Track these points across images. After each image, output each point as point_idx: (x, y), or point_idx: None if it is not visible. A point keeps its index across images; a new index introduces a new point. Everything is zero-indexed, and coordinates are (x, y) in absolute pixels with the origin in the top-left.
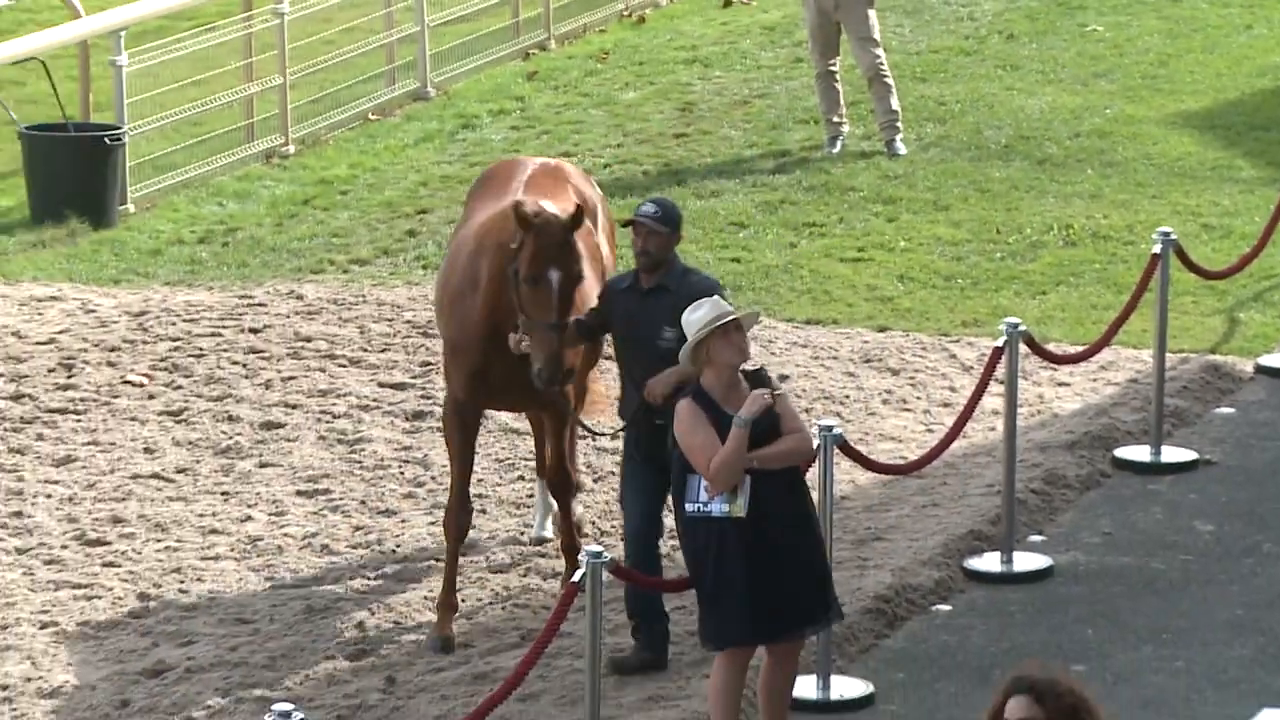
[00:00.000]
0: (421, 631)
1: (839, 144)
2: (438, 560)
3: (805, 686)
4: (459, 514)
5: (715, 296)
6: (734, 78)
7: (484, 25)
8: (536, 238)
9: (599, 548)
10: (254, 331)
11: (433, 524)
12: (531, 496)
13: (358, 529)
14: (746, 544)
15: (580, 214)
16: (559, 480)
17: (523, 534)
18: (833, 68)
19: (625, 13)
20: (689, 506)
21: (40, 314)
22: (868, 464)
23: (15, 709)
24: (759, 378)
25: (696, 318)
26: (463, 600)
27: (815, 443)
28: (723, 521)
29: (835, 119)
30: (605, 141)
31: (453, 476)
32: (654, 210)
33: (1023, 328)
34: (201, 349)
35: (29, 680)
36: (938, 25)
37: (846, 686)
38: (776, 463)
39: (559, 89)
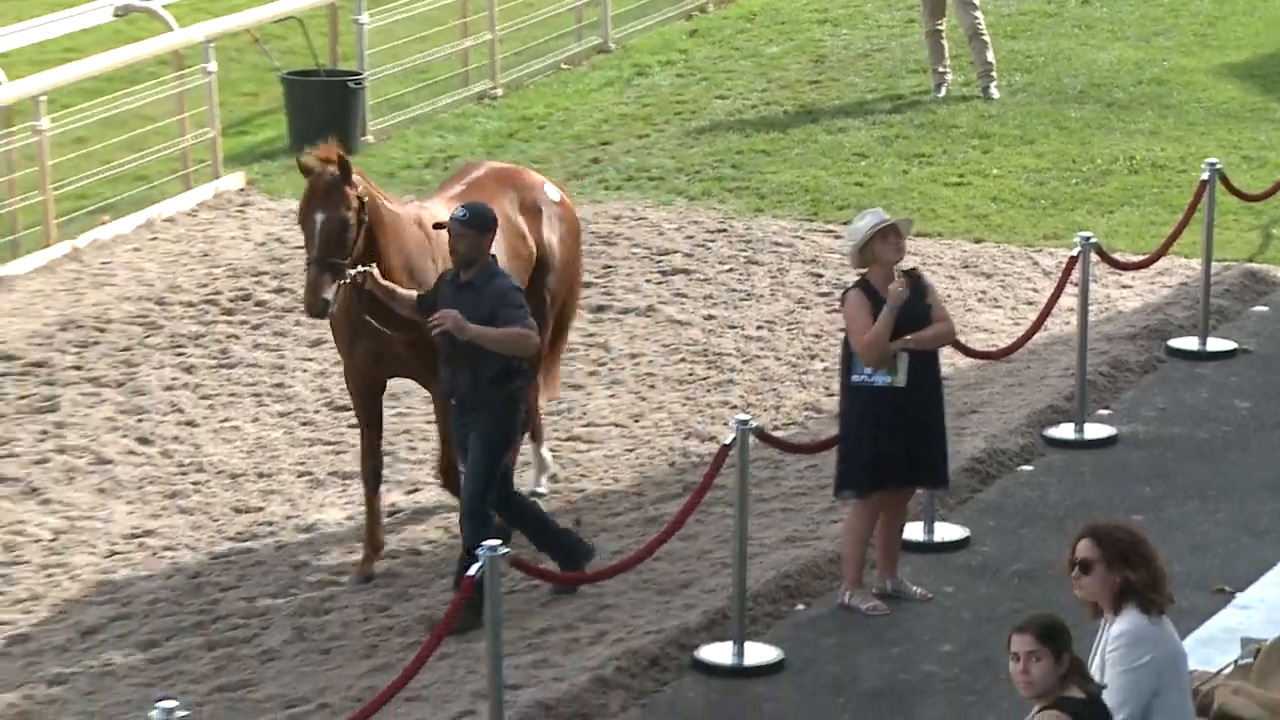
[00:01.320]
0: (600, 482)
1: (944, 89)
2: (616, 426)
3: (913, 531)
4: (368, 462)
5: (877, 208)
6: (858, 35)
7: None
8: (307, 185)
9: (746, 416)
10: None
11: (612, 397)
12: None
13: (551, 399)
14: (897, 409)
15: (346, 167)
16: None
17: (683, 407)
18: (939, 26)
19: None
20: (854, 377)
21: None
22: (966, 351)
23: (278, 540)
24: (914, 275)
25: (861, 225)
26: (635, 457)
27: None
28: (881, 390)
29: (941, 69)
30: (752, 87)
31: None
32: (462, 214)
33: (1093, 240)
34: None
35: (289, 518)
36: None
37: (947, 531)
38: (927, 344)
39: (715, 44)
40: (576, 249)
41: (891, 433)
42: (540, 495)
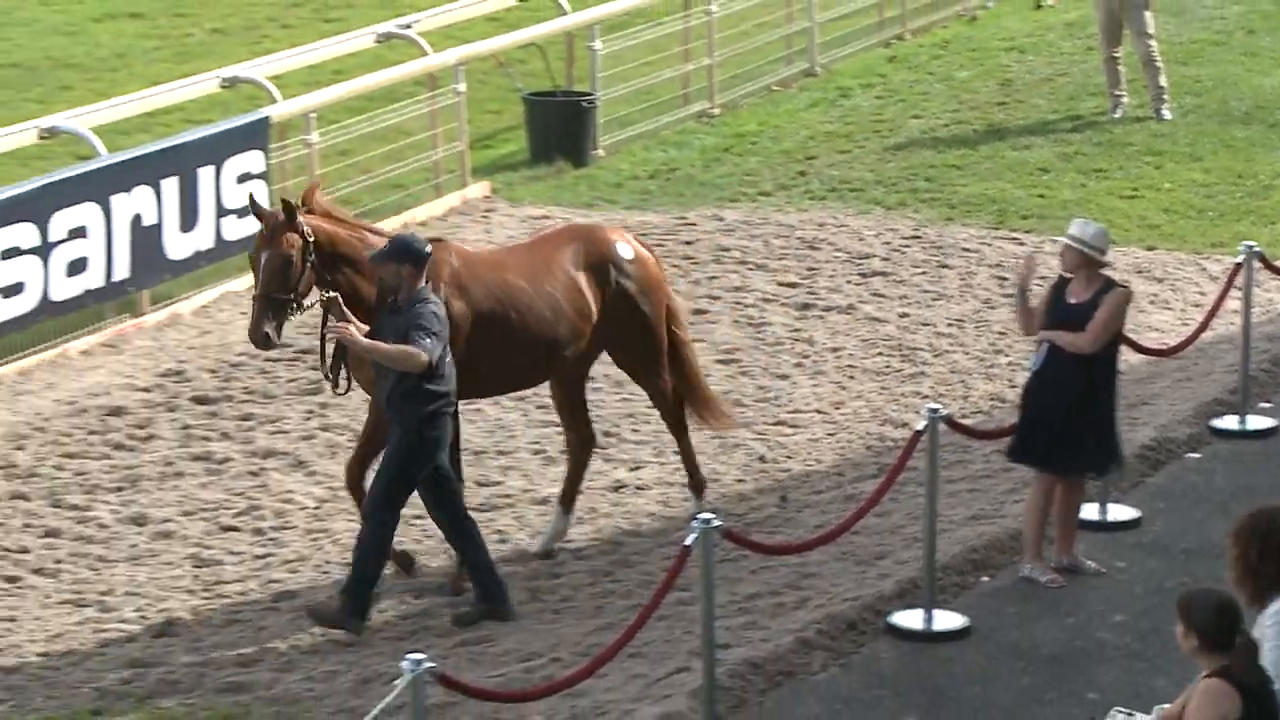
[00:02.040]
0: (804, 463)
1: (1120, 110)
2: (819, 412)
3: (1089, 511)
4: (352, 470)
5: (1081, 219)
6: (1042, 60)
7: (857, 21)
8: (260, 228)
9: (937, 405)
10: (687, 243)
11: (815, 386)
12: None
13: (760, 388)
14: (1043, 395)
15: (290, 213)
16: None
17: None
18: (1116, 54)
19: (962, 13)
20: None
21: (536, 228)
22: (1138, 348)
23: (515, 510)
24: (1110, 281)
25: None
26: (836, 441)
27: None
28: (1032, 372)
29: (1117, 92)
30: (945, 108)
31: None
32: (384, 247)
33: (1257, 248)
34: None
35: (524, 491)
36: (1196, 22)
37: (1120, 512)
38: (1060, 343)
39: (912, 69)
40: (654, 299)
41: (1031, 414)
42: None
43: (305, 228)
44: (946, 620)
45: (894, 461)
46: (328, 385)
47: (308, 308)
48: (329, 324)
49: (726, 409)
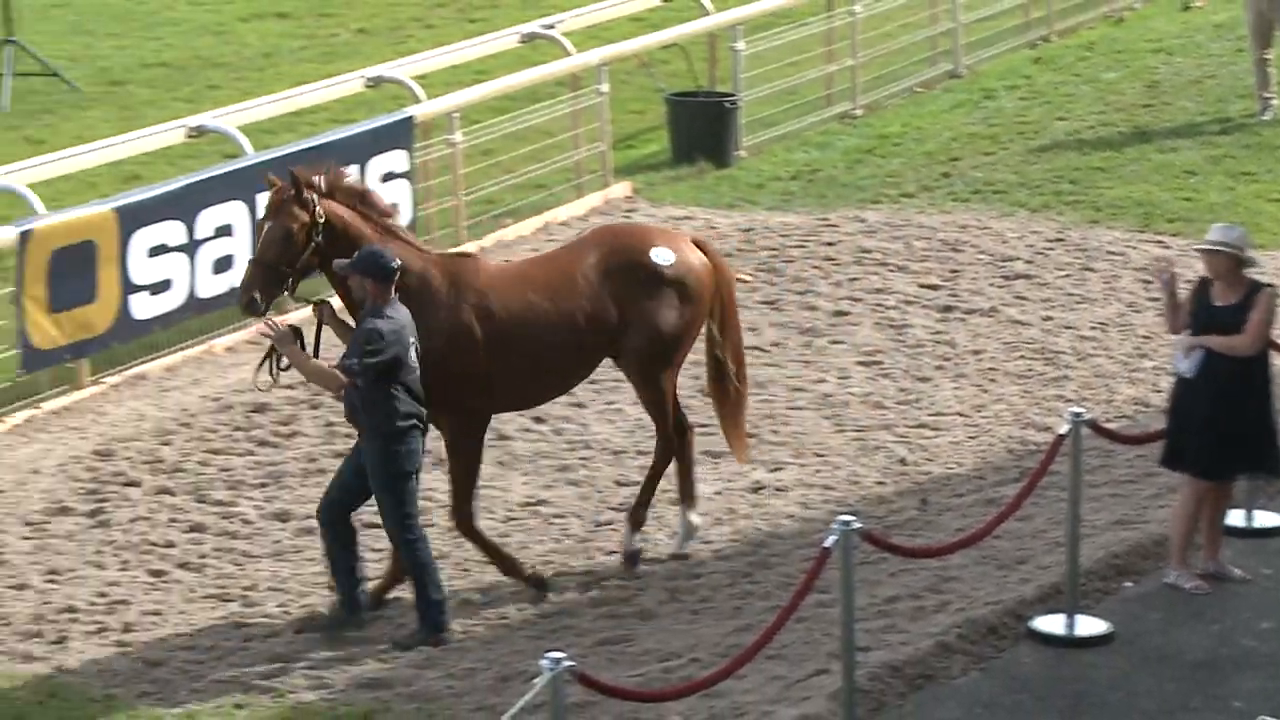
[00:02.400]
0: (945, 465)
1: (1269, 113)
2: (960, 415)
3: (1235, 518)
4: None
5: (1221, 225)
6: (1190, 62)
7: (1003, 23)
8: (270, 197)
9: (1080, 409)
10: (829, 245)
11: (956, 389)
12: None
13: (901, 390)
14: (1194, 400)
15: (298, 185)
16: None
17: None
18: (1267, 55)
19: (1109, 14)
20: (1176, 364)
21: (677, 228)
22: None
23: (654, 510)
24: (1255, 283)
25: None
26: (977, 444)
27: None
28: (1184, 379)
29: (1266, 94)
30: (1090, 110)
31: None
32: (353, 259)
33: None
34: (791, 256)
35: (663, 491)
36: None
37: (1267, 519)
38: (1215, 346)
39: (1057, 70)
40: (682, 311)
41: (1180, 419)
42: (683, 557)
43: (316, 206)
44: (1089, 626)
45: (1036, 465)
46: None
47: (300, 303)
48: (268, 322)
49: (744, 448)
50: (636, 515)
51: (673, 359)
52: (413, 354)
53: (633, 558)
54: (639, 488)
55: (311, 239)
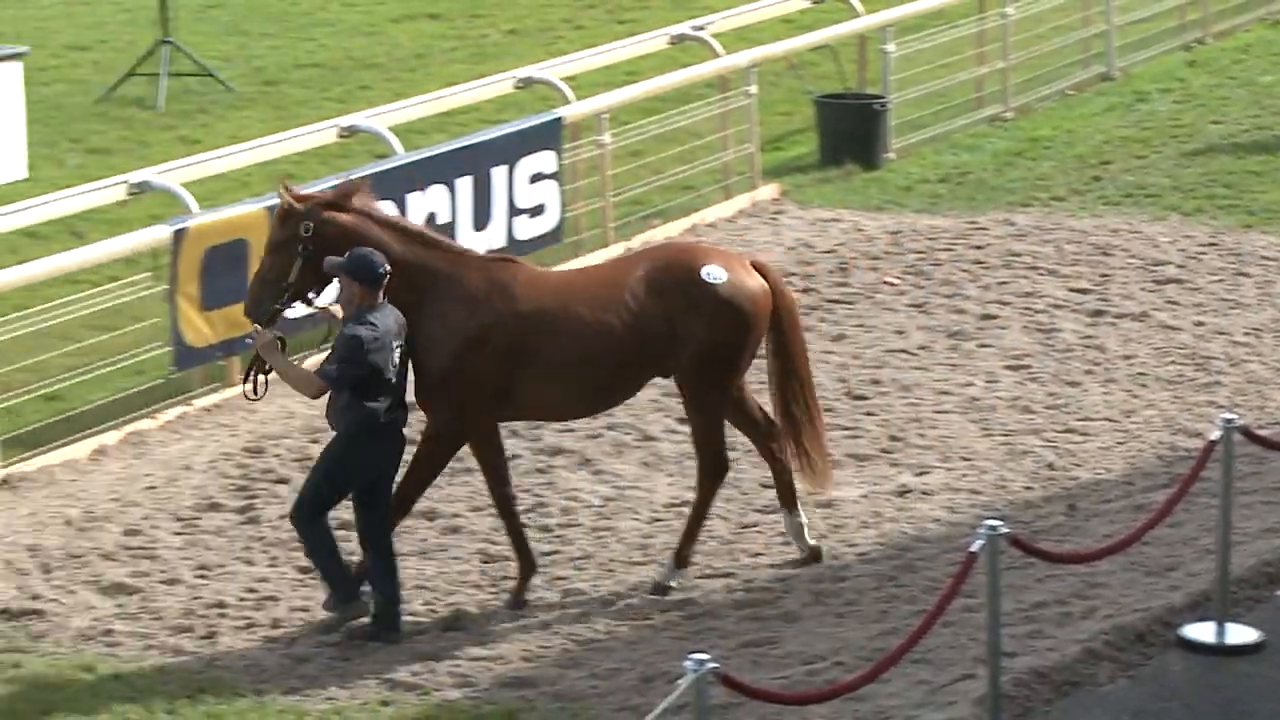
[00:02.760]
0: (1093, 471)
1: None
2: (1109, 420)
3: None
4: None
5: None
6: None
7: (1158, 25)
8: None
9: (1232, 415)
10: (977, 248)
11: (1106, 394)
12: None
13: (1050, 394)
14: None
15: (282, 198)
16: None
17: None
18: None
19: (1266, 17)
20: None
21: (824, 231)
22: None
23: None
24: None
25: None
26: (1126, 450)
27: None
28: None
29: None
30: (1245, 113)
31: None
32: (342, 260)
33: None
34: (939, 259)
35: (810, 494)
36: None
37: None
38: None
39: (1212, 73)
40: (738, 335)
41: None
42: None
43: (306, 222)
44: (1240, 634)
45: (1186, 471)
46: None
47: (315, 308)
48: (255, 330)
49: (825, 479)
50: (682, 554)
51: (722, 382)
52: (394, 360)
53: (661, 590)
54: (684, 523)
55: (299, 253)
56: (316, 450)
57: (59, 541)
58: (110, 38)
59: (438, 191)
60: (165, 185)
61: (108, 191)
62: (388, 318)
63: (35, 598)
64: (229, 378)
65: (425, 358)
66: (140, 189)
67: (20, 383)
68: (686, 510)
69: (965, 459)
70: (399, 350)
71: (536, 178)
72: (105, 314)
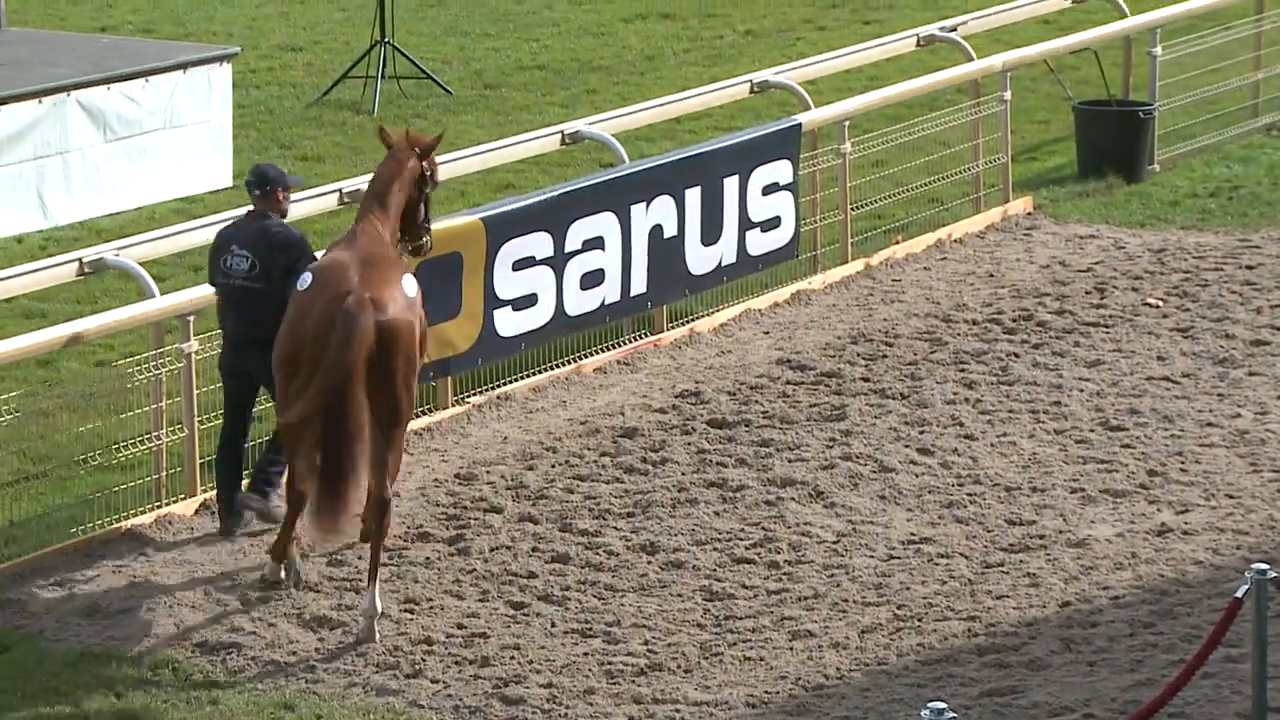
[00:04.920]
0: None
1: None
2: None
3: None
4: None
5: None
6: None
7: None
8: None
9: None
10: (1249, 268)
11: None
12: None
13: None
14: None
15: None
16: None
17: None
18: None
19: None
20: None
21: (1081, 248)
22: None
23: (1049, 553)
24: None
25: None
26: None
27: None
28: None
29: None
30: None
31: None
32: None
33: None
34: (1206, 280)
35: (1060, 532)
36: None
37: None
38: None
39: None
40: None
41: None
42: None
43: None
44: None
45: None
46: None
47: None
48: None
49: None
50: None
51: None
52: None
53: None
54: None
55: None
56: (532, 478)
57: (259, 571)
58: (325, 38)
59: (664, 203)
60: None
61: (318, 201)
62: None
63: (234, 630)
64: (441, 399)
65: None
66: (353, 199)
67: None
68: (926, 547)
69: (1231, 496)
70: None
71: (771, 189)
72: None
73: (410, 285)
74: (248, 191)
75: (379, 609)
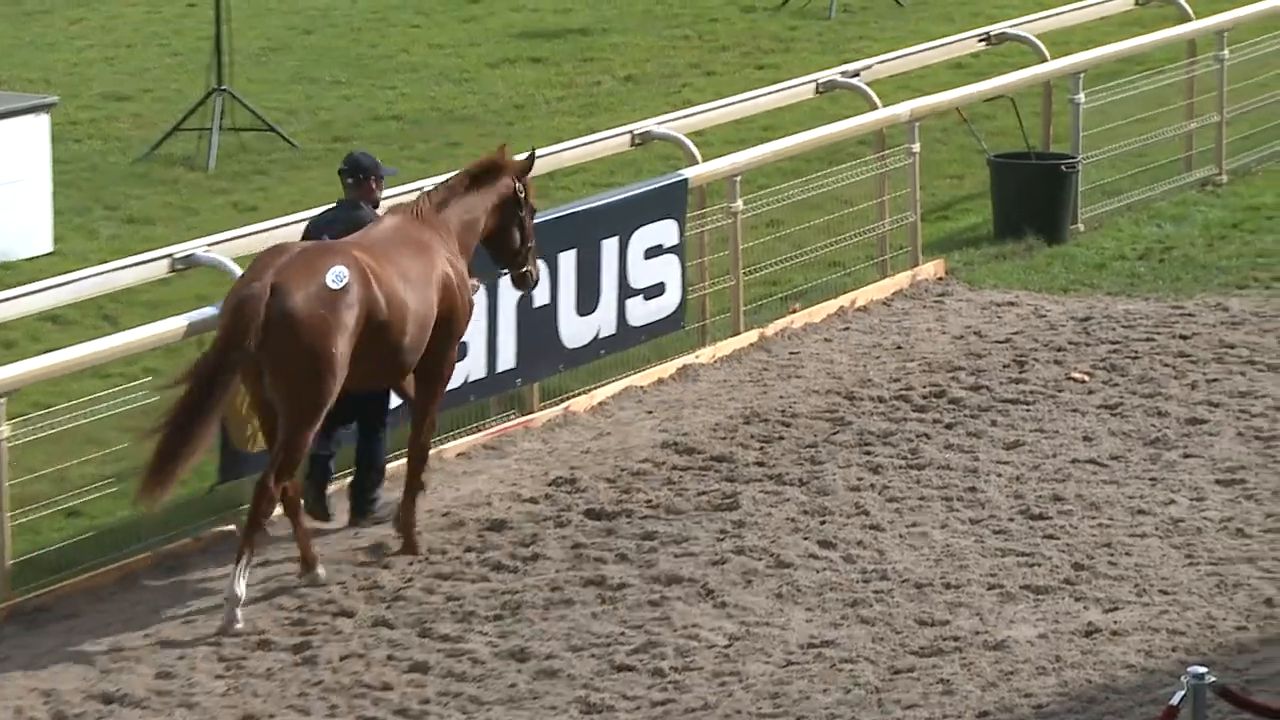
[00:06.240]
0: None
1: None
2: None
3: None
4: None
5: None
6: None
7: None
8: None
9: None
10: (1183, 338)
11: None
12: None
13: (1269, 515)
14: None
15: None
16: None
17: None
18: None
19: None
20: None
21: (999, 316)
22: None
23: (965, 658)
24: None
25: None
26: None
27: None
28: None
29: None
30: None
31: None
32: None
33: None
34: (1136, 351)
35: (976, 633)
36: None
37: None
38: None
39: None
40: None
41: None
42: None
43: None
44: None
45: None
46: None
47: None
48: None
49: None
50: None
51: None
52: None
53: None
54: None
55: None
56: (387, 577)
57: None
58: (155, 86)
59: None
60: (215, 260)
61: (148, 267)
62: None
63: None
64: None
65: None
66: (186, 264)
67: (40, 495)
68: (828, 651)
69: (1165, 592)
70: None
71: (654, 252)
72: (139, 413)
73: (336, 276)
74: (341, 180)
75: (239, 595)
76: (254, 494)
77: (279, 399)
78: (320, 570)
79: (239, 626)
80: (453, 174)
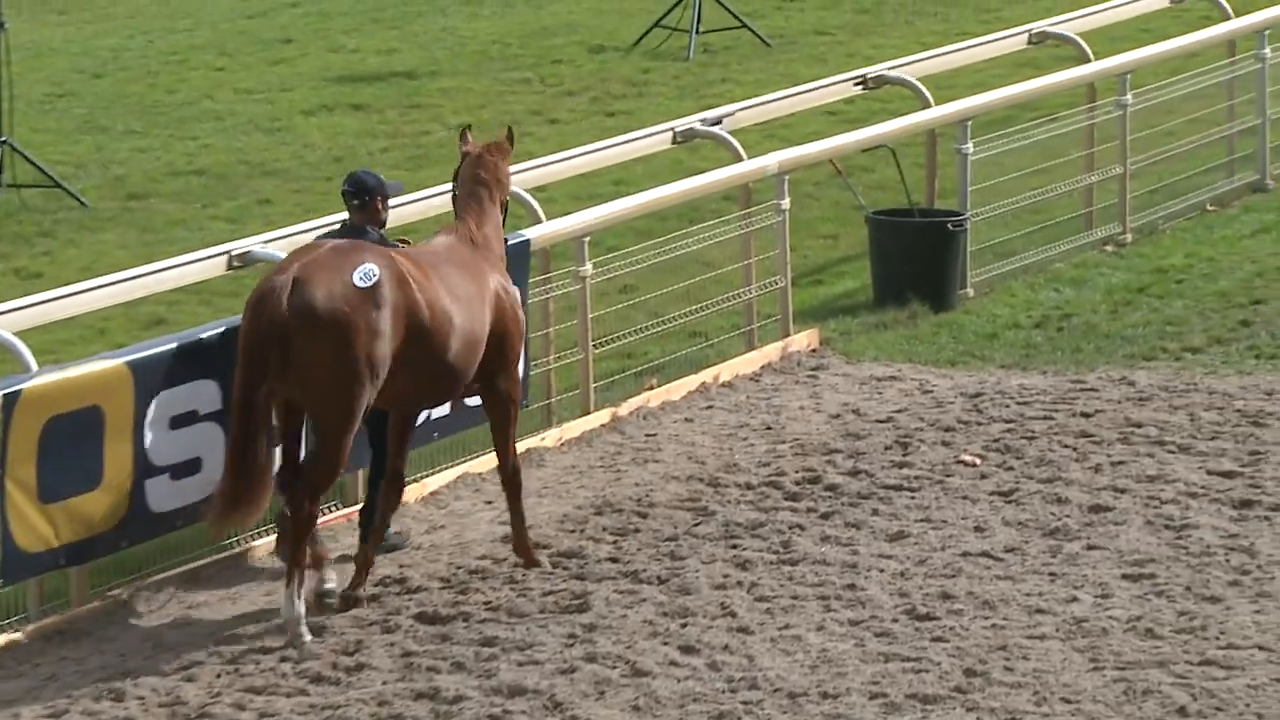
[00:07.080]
0: (1244, 715)
1: None
2: (1264, 649)
3: None
4: None
5: None
6: None
7: None
8: None
9: None
10: (1085, 416)
11: (1259, 614)
12: None
13: (1181, 613)
14: None
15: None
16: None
17: None
18: None
19: None
20: None
21: (880, 393)
22: None
23: None
24: None
25: None
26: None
27: None
28: None
29: None
30: None
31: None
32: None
33: None
34: (1033, 431)
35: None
36: None
37: None
38: None
39: None
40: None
41: None
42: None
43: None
44: None
45: None
46: None
47: None
48: None
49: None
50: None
51: None
52: None
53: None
54: None
55: None
56: (192, 691)
57: None
58: None
59: None
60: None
61: None
62: None
63: None
64: (75, 592)
65: None
66: None
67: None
68: None
69: (1068, 700)
70: None
71: None
72: None
73: (365, 274)
74: (345, 202)
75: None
76: (290, 513)
77: (306, 405)
78: (330, 574)
79: (307, 640)
80: (462, 181)
